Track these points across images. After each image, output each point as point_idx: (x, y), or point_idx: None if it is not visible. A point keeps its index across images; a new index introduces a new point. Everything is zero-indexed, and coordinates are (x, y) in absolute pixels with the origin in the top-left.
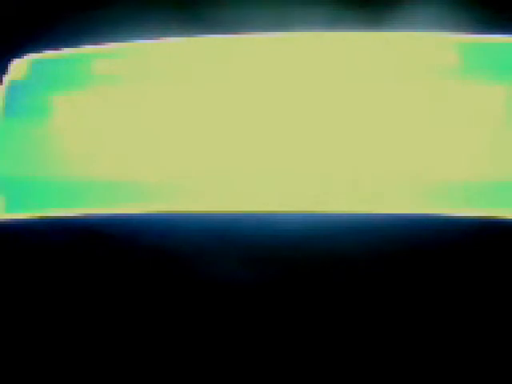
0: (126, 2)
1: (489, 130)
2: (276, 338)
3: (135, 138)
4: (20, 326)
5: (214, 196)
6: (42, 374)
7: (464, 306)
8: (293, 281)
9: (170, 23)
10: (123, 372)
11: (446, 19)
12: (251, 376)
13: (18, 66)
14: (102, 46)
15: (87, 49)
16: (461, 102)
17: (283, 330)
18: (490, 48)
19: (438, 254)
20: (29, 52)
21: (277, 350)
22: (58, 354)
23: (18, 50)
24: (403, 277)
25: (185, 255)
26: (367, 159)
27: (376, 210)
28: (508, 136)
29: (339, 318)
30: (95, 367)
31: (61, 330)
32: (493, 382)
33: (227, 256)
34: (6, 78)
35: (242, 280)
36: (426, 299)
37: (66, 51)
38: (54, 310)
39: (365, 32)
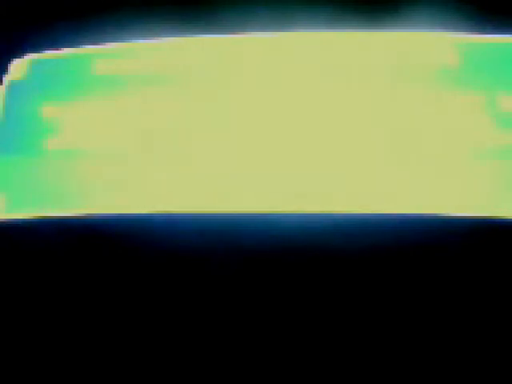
0: (126, 2)
1: (486, 131)
2: (274, 337)
3: (135, 138)
4: (20, 326)
5: (213, 196)
6: (43, 374)
7: (462, 307)
8: (289, 280)
9: (170, 23)
10: (123, 372)
11: (446, 19)
12: (251, 377)
13: (18, 66)
14: (102, 46)
15: (87, 49)
16: (457, 104)
17: (281, 329)
18: (489, 48)
19: (436, 254)
20: (29, 52)
21: (274, 350)
22: (58, 354)
23: (17, 50)
24: (400, 277)
25: (184, 255)
26: (365, 159)
27: (373, 211)
28: (503, 139)
29: (336, 318)
30: (96, 367)
31: (61, 330)
32: (492, 382)
33: (226, 256)
34: (6, 78)
35: (240, 279)
36: (423, 300)
37: (66, 51)
38: (54, 310)
39: (364, 32)
